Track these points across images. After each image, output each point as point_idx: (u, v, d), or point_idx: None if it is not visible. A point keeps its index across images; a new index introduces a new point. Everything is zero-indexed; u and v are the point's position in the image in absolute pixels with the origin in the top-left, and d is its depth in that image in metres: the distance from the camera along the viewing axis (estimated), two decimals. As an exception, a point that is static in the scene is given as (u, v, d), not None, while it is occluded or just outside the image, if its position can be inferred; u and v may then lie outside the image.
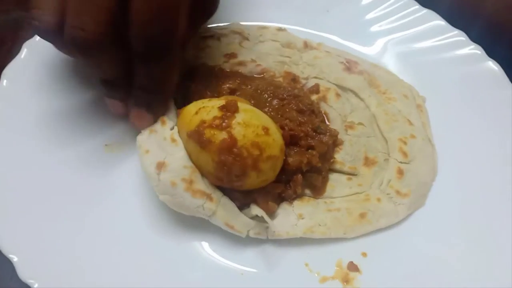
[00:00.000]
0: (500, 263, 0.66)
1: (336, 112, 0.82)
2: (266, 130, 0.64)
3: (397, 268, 0.65)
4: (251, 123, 0.63)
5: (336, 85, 0.86)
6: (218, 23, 0.91)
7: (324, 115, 0.82)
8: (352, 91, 0.86)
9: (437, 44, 0.92)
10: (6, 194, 0.66)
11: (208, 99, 0.68)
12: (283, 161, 0.69)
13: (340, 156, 0.77)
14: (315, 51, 0.92)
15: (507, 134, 0.78)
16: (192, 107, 0.67)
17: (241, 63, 0.86)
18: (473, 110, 0.83)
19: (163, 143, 0.68)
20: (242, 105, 0.66)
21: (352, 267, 0.65)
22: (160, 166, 0.66)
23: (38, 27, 0.62)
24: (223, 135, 0.61)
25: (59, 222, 0.65)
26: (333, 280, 0.64)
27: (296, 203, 0.72)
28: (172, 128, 0.70)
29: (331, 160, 0.76)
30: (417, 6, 0.96)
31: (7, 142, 0.71)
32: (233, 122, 0.62)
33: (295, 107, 0.77)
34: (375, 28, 0.97)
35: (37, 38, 0.83)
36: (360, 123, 0.82)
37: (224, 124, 0.62)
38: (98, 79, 0.70)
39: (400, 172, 0.76)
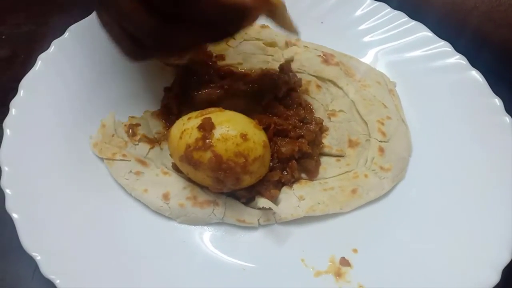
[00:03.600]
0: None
1: (318, 103, 0.91)
2: (244, 137, 0.69)
3: (385, 262, 0.70)
4: (229, 136, 0.68)
5: (316, 77, 0.95)
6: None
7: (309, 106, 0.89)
8: (331, 81, 0.95)
9: (424, 54, 0.97)
10: (26, 195, 0.70)
11: (187, 117, 0.73)
12: (278, 151, 0.77)
13: (327, 141, 0.85)
14: (294, 47, 1.00)
15: (482, 131, 0.84)
16: (175, 131, 0.72)
17: (228, 66, 0.94)
18: (455, 114, 0.88)
19: (157, 178, 0.77)
20: (217, 118, 0.70)
21: (344, 262, 0.70)
22: (166, 196, 0.74)
23: None
24: (208, 155, 0.67)
25: (79, 221, 0.70)
26: (326, 274, 0.69)
27: (296, 186, 0.78)
28: (158, 167, 0.79)
29: (320, 145, 0.83)
30: (406, 18, 1.02)
31: (25, 149, 0.76)
32: (213, 140, 0.67)
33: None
34: (367, 38, 1.02)
35: (50, 50, 0.88)
36: (340, 110, 0.90)
37: (206, 143, 0.67)
38: (146, 47, 0.69)
39: (381, 150, 0.84)
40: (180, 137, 0.70)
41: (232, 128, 0.69)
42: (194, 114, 0.73)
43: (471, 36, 0.98)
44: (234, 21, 0.68)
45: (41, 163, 0.75)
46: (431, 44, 0.97)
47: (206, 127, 0.68)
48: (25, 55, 1.01)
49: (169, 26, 0.65)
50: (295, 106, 0.85)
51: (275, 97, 0.85)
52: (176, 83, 0.90)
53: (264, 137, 0.73)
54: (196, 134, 0.69)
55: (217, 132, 0.68)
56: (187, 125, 0.71)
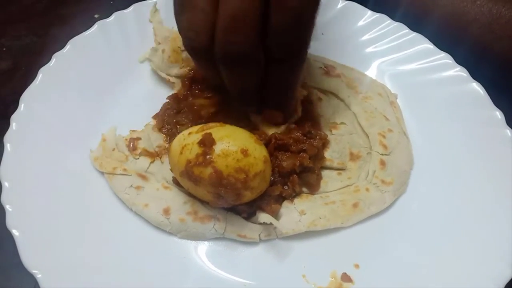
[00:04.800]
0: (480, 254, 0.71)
1: (319, 115, 0.90)
2: (245, 152, 0.68)
3: (386, 278, 0.70)
4: (229, 152, 0.67)
5: (317, 88, 0.94)
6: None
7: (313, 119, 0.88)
8: (332, 93, 0.95)
9: (424, 66, 0.97)
10: (27, 211, 0.70)
11: (188, 131, 0.72)
12: (279, 165, 0.76)
13: (328, 154, 0.84)
14: None
15: (484, 144, 0.84)
16: (176, 146, 0.71)
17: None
18: (456, 127, 0.88)
19: (158, 193, 0.77)
20: (218, 133, 0.69)
21: (346, 278, 0.70)
22: (166, 211, 0.74)
23: (190, 46, 0.70)
24: (209, 171, 0.66)
25: (79, 237, 0.70)
26: (328, 291, 0.69)
27: (297, 200, 0.78)
28: (159, 181, 0.78)
29: (323, 160, 0.83)
30: (407, 30, 1.02)
31: (26, 165, 0.75)
32: (214, 155, 0.67)
33: None
34: (368, 50, 1.02)
35: (51, 63, 0.88)
36: (342, 123, 0.90)
37: (207, 159, 0.67)
38: (236, 90, 0.76)
39: (383, 163, 0.83)
40: (181, 152, 0.70)
41: (233, 144, 0.69)
42: (194, 129, 0.73)
43: (471, 48, 0.98)
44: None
45: (41, 179, 0.75)
46: (432, 56, 0.97)
47: (207, 143, 0.68)
48: (26, 67, 1.01)
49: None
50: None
51: None
52: (176, 95, 0.90)
53: (265, 152, 0.73)
54: (196, 149, 0.68)
55: (218, 148, 0.68)
56: (188, 140, 0.70)
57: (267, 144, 0.76)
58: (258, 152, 0.70)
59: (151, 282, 0.68)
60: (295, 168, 0.77)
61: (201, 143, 0.68)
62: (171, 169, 0.75)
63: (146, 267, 0.69)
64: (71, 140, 0.81)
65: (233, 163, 0.67)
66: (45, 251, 0.67)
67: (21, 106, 0.81)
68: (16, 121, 0.79)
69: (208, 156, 0.67)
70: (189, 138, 0.71)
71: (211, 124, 0.73)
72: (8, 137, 0.77)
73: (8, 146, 0.76)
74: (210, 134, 0.69)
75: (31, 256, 0.65)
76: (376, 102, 0.93)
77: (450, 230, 0.75)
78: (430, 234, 0.75)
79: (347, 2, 1.07)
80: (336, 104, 0.93)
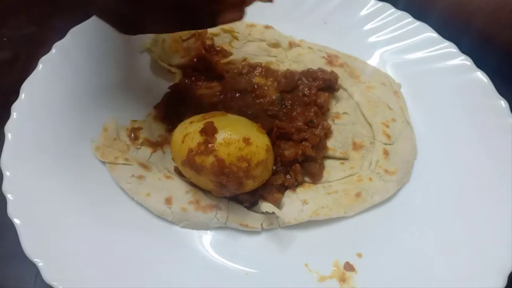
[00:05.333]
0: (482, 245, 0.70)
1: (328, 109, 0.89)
2: (247, 141, 0.68)
3: (390, 267, 0.69)
4: (231, 140, 0.67)
5: None
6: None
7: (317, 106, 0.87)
8: (335, 83, 0.94)
9: (429, 55, 0.96)
10: (28, 200, 0.70)
11: (189, 121, 0.72)
12: (281, 154, 0.76)
13: (331, 144, 0.84)
14: (298, 48, 0.99)
15: (487, 133, 0.83)
16: (178, 135, 0.71)
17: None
18: (460, 116, 0.87)
19: (160, 182, 0.76)
20: (220, 122, 0.69)
21: (348, 267, 0.69)
22: (169, 200, 0.73)
23: None
24: (211, 159, 0.66)
25: (80, 226, 0.70)
26: (330, 279, 0.68)
27: (299, 189, 0.78)
28: (160, 171, 0.78)
29: (325, 149, 0.82)
30: (411, 19, 1.01)
31: (27, 154, 0.75)
32: (216, 144, 0.66)
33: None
34: (371, 39, 1.02)
35: (52, 53, 0.88)
36: (345, 112, 0.89)
37: (208, 148, 0.66)
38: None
39: (386, 153, 0.83)
40: (182, 141, 0.69)
41: (235, 132, 0.68)
42: (196, 118, 0.72)
43: (476, 37, 0.98)
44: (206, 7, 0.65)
45: (42, 168, 0.74)
46: (436, 45, 0.97)
47: (209, 132, 0.68)
48: (27, 57, 1.01)
49: (135, 10, 0.64)
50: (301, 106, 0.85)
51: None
52: (177, 84, 0.89)
53: (267, 141, 0.72)
54: (198, 138, 0.68)
55: (220, 137, 0.67)
56: (189, 129, 0.70)
57: (269, 133, 0.75)
58: (260, 141, 0.70)
59: (153, 270, 0.67)
60: (297, 157, 0.77)
61: (203, 131, 0.68)
62: (173, 158, 0.74)
63: (148, 256, 0.69)
64: (72, 130, 0.81)
65: (235, 152, 0.67)
66: (47, 240, 0.66)
67: (22, 95, 0.81)
68: (16, 110, 0.79)
69: (210, 145, 0.67)
70: (190, 127, 0.70)
71: (213, 113, 0.73)
72: (9, 126, 0.77)
73: (9, 135, 0.76)
74: (212, 122, 0.68)
75: (33, 245, 0.65)
76: (379, 92, 0.92)
77: (453, 219, 0.74)
78: (433, 224, 0.74)
79: (350, -9, 1.06)
80: (339, 94, 0.92)
